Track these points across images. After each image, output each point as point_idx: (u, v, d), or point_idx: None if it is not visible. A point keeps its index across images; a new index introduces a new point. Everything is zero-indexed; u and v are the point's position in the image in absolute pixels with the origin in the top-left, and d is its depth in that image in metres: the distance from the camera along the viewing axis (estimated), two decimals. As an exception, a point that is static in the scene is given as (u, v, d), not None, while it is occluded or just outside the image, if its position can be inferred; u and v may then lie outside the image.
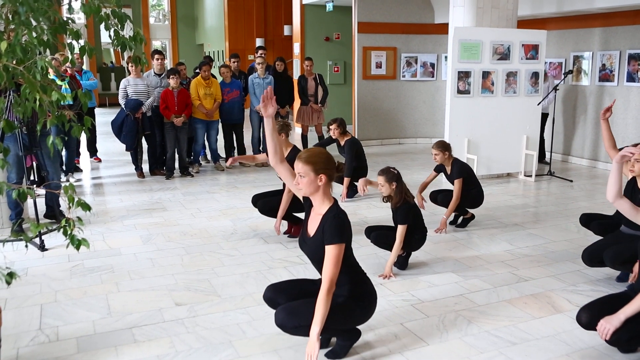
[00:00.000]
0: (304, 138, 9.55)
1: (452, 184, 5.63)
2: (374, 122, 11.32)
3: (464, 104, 7.79)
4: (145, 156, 8.21)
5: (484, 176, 8.15)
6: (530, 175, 8.12)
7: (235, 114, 8.59)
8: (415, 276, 4.45)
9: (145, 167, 8.22)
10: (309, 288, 3.19)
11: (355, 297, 3.06)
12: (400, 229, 4.38)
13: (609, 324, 2.96)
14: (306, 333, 2.93)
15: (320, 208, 3.03)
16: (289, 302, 3.06)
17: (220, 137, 8.80)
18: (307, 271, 4.51)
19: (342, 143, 7.02)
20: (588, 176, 8.45)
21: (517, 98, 8.08)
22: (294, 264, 4.69)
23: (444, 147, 5.58)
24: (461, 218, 5.82)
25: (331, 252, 2.86)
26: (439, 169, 5.74)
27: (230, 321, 3.66)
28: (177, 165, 8.19)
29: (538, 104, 8.18)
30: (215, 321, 3.66)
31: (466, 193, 5.64)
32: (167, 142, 7.92)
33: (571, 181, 8.02)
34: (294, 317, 2.95)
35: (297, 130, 12.07)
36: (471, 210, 5.82)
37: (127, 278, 4.38)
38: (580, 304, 3.93)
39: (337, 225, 2.90)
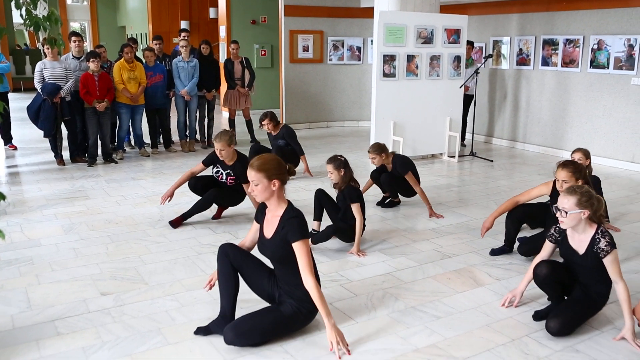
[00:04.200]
0: (232, 122, 9.45)
1: (399, 185, 5.71)
2: (302, 106, 11.33)
3: (390, 87, 7.93)
4: (65, 143, 7.87)
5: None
6: (454, 156, 8.40)
7: (158, 99, 8.37)
8: (343, 257, 4.53)
9: (66, 154, 7.88)
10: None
11: (305, 301, 3.16)
12: (355, 207, 4.59)
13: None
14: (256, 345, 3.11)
15: (277, 210, 3.19)
16: (236, 321, 3.14)
17: (145, 123, 8.55)
18: (237, 255, 4.50)
19: (276, 132, 7.06)
20: (507, 156, 8.83)
21: (441, 81, 8.30)
22: (224, 249, 4.65)
23: (380, 149, 5.58)
24: (389, 200, 5.95)
25: (301, 248, 3.05)
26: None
27: (158, 308, 3.60)
28: (99, 151, 7.90)
29: (460, 87, 8.45)
30: (142, 309, 3.59)
31: (406, 183, 5.70)
32: (89, 128, 7.62)
33: (492, 161, 8.36)
34: (244, 338, 3.08)
35: (225, 114, 11.91)
36: (402, 197, 5.93)
37: (48, 269, 4.21)
38: (499, 277, 4.15)
39: (298, 224, 3.09)
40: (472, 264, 4.43)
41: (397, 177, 5.67)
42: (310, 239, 3.69)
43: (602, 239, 3.22)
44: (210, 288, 3.47)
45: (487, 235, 5.02)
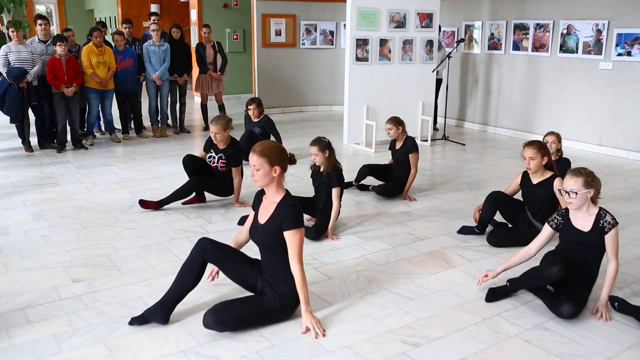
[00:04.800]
0: (204, 107, 9.35)
1: (398, 160, 5.72)
2: (275, 90, 11.28)
3: (363, 71, 7.93)
4: (33, 128, 7.70)
5: (382, 142, 8.39)
6: (426, 140, 8.46)
7: (129, 83, 8.23)
8: (318, 240, 4.54)
9: (34, 140, 7.72)
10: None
11: (288, 296, 3.19)
12: (336, 192, 4.60)
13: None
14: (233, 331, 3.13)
15: (274, 197, 3.18)
16: (217, 307, 3.10)
17: (116, 108, 8.41)
18: (211, 241, 4.48)
19: (257, 120, 7.02)
20: (479, 139, 8.93)
21: (413, 65, 8.33)
22: (197, 234, 4.63)
23: (398, 122, 5.64)
24: (363, 184, 5.97)
25: (293, 237, 3.07)
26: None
27: (131, 295, 3.57)
28: (69, 137, 7.76)
29: (433, 71, 8.49)
30: (115, 295, 3.56)
31: (395, 191, 5.72)
32: (57, 113, 7.46)
33: (464, 145, 8.44)
34: (223, 325, 3.08)
35: (197, 99, 11.79)
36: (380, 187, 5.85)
37: (18, 257, 4.14)
38: (471, 259, 4.21)
39: (294, 212, 3.09)
40: (445, 246, 4.48)
41: (392, 184, 5.70)
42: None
43: (607, 214, 3.37)
44: (213, 279, 3.48)
45: (459, 218, 5.10)
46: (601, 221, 3.36)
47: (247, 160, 3.27)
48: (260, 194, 3.32)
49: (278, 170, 3.12)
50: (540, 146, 4.30)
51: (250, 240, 3.37)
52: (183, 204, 5.37)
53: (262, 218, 3.21)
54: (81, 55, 7.67)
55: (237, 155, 5.27)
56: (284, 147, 3.25)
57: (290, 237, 3.07)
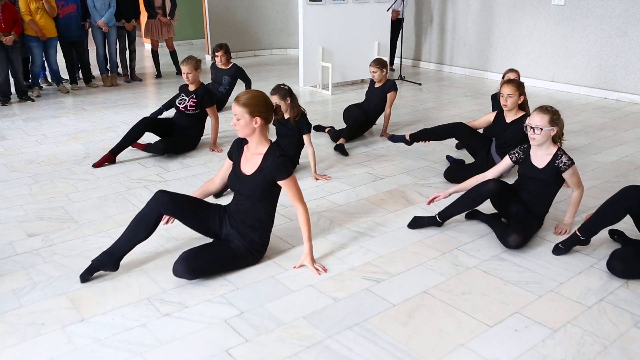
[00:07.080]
0: (155, 54, 9.04)
1: (371, 99, 5.82)
2: (228, 35, 10.97)
3: (317, 12, 7.76)
4: (-27, 81, 7.33)
5: (339, 84, 8.34)
6: (383, 81, 8.42)
7: (73, 30, 7.85)
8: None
9: (-25, 93, 7.36)
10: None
11: (258, 243, 3.23)
12: (308, 138, 4.58)
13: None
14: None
15: (258, 148, 3.16)
16: (187, 255, 3.04)
17: (61, 57, 8.06)
18: (168, 188, 4.42)
19: (225, 67, 6.82)
20: (435, 79, 8.95)
21: (367, 5, 8.20)
22: (155, 183, 4.56)
23: (382, 64, 5.70)
24: (320, 125, 5.94)
25: (290, 183, 3.12)
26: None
27: (90, 246, 3.52)
28: (13, 89, 7.42)
29: (387, 10, 8.38)
30: (74, 247, 3.50)
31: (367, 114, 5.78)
32: (-2, 64, 7.10)
33: (420, 84, 8.45)
34: (193, 273, 3.05)
35: (147, 46, 11.39)
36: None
37: (-32, 214, 4.01)
38: (430, 196, 4.27)
39: (284, 162, 3.10)
40: (404, 184, 4.54)
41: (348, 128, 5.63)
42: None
43: (563, 155, 3.49)
44: (167, 223, 3.30)
45: (418, 157, 5.14)
46: (557, 161, 3.48)
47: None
48: (239, 143, 3.28)
49: (259, 121, 3.07)
50: (519, 84, 4.38)
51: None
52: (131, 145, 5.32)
53: (248, 169, 3.18)
54: (19, 1, 7.25)
55: (208, 94, 5.28)
56: (268, 98, 3.17)
57: (287, 184, 3.11)
